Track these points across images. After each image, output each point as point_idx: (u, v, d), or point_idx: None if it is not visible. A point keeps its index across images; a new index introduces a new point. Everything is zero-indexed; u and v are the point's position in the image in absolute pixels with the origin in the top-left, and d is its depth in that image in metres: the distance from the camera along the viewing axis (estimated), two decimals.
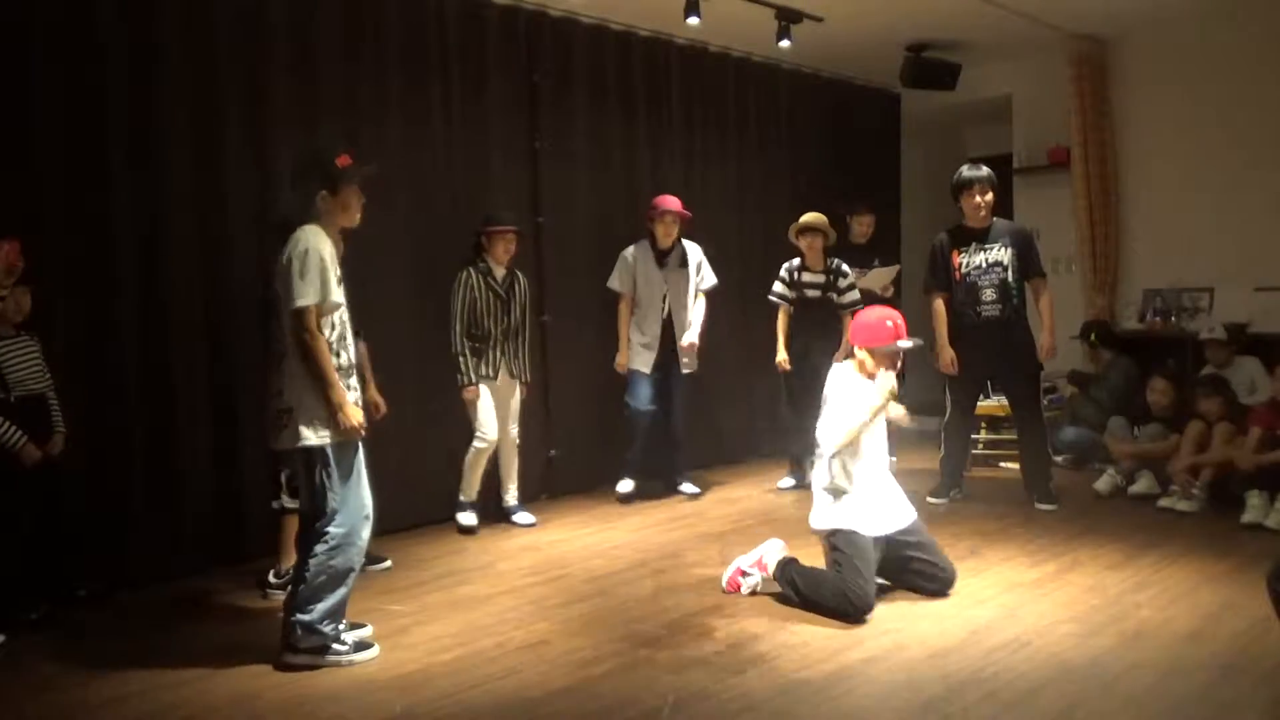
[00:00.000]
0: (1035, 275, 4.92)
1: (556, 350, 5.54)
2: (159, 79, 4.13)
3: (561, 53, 5.60)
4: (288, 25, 4.51)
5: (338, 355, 3.15)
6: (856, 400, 3.60)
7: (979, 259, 4.87)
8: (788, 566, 3.74)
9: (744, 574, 3.85)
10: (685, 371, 5.49)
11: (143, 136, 4.09)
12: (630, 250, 5.45)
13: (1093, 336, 6.24)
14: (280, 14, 4.48)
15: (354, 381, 3.24)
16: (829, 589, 3.52)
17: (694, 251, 5.52)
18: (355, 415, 3.13)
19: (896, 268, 6.19)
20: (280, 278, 3.11)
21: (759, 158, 6.77)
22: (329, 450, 3.12)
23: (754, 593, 3.78)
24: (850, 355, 5.51)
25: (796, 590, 3.63)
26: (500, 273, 4.83)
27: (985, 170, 4.89)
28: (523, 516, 5.02)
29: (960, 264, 4.90)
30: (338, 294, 3.15)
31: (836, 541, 3.60)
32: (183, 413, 4.21)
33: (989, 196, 4.85)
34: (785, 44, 5.85)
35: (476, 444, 4.82)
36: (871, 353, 3.65)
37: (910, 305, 7.17)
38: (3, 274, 3.54)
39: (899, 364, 3.72)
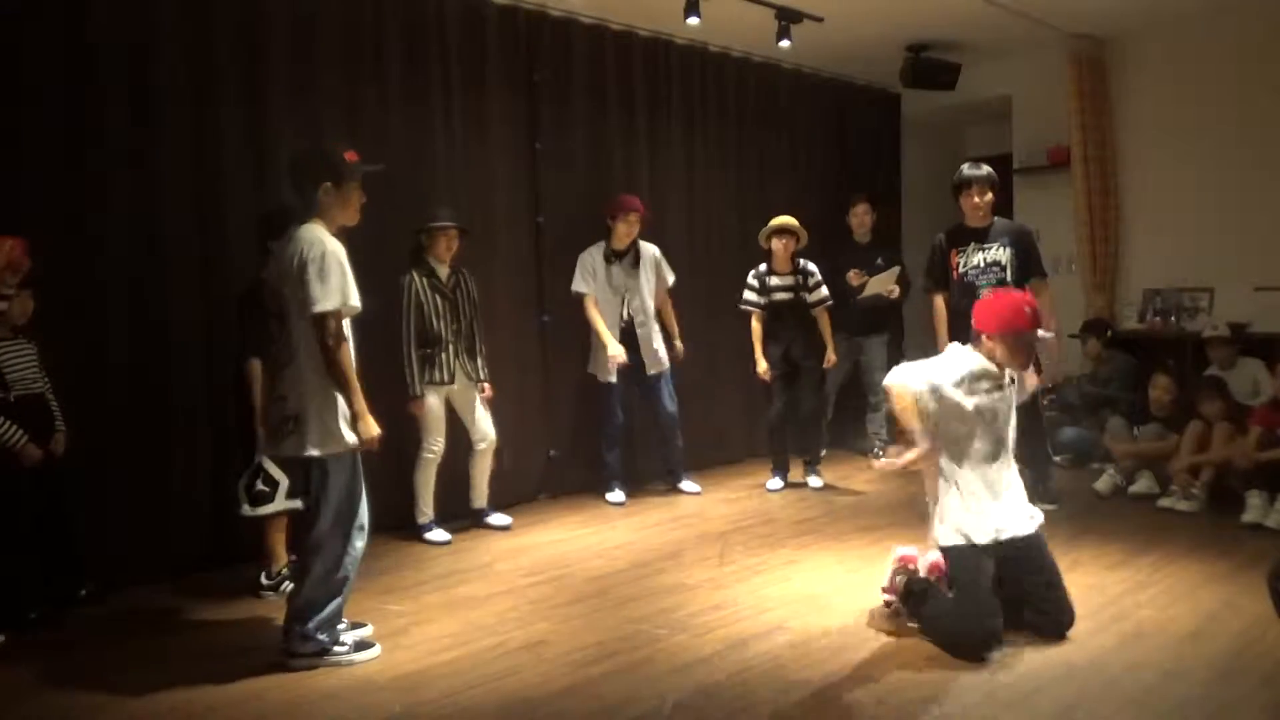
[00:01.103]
0: (1035, 277, 4.90)
1: (556, 350, 5.53)
2: (156, 78, 4.12)
3: (561, 53, 5.60)
4: (287, 25, 4.50)
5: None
6: (947, 361, 3.26)
7: (977, 258, 4.86)
8: (911, 585, 3.34)
9: (885, 593, 3.46)
10: (651, 372, 5.44)
11: (141, 136, 4.08)
12: (590, 252, 5.39)
13: (1109, 333, 6.23)
14: (279, 13, 4.48)
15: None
16: (944, 622, 3.16)
17: (649, 250, 5.49)
18: (372, 426, 3.08)
19: (896, 270, 6.16)
20: (291, 280, 3.02)
21: (759, 158, 6.76)
22: (329, 461, 3.08)
23: (899, 615, 3.38)
24: (833, 357, 5.62)
25: (920, 618, 3.27)
26: (444, 272, 4.65)
27: (985, 169, 4.88)
28: (497, 518, 4.92)
29: (958, 264, 4.89)
30: (356, 297, 3.08)
31: (948, 562, 3.27)
32: (181, 413, 4.21)
33: (988, 196, 4.84)
34: (785, 44, 5.84)
35: (425, 455, 4.64)
36: (1004, 339, 3.22)
37: (912, 305, 7.18)
38: (8, 272, 3.53)
39: (1032, 359, 3.34)
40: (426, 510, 4.72)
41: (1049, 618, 3.25)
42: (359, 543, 3.19)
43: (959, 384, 3.24)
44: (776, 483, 5.76)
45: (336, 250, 3.05)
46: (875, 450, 6.50)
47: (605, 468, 5.54)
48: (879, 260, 6.16)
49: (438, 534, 4.70)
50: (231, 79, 4.33)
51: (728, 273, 6.28)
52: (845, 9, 5.75)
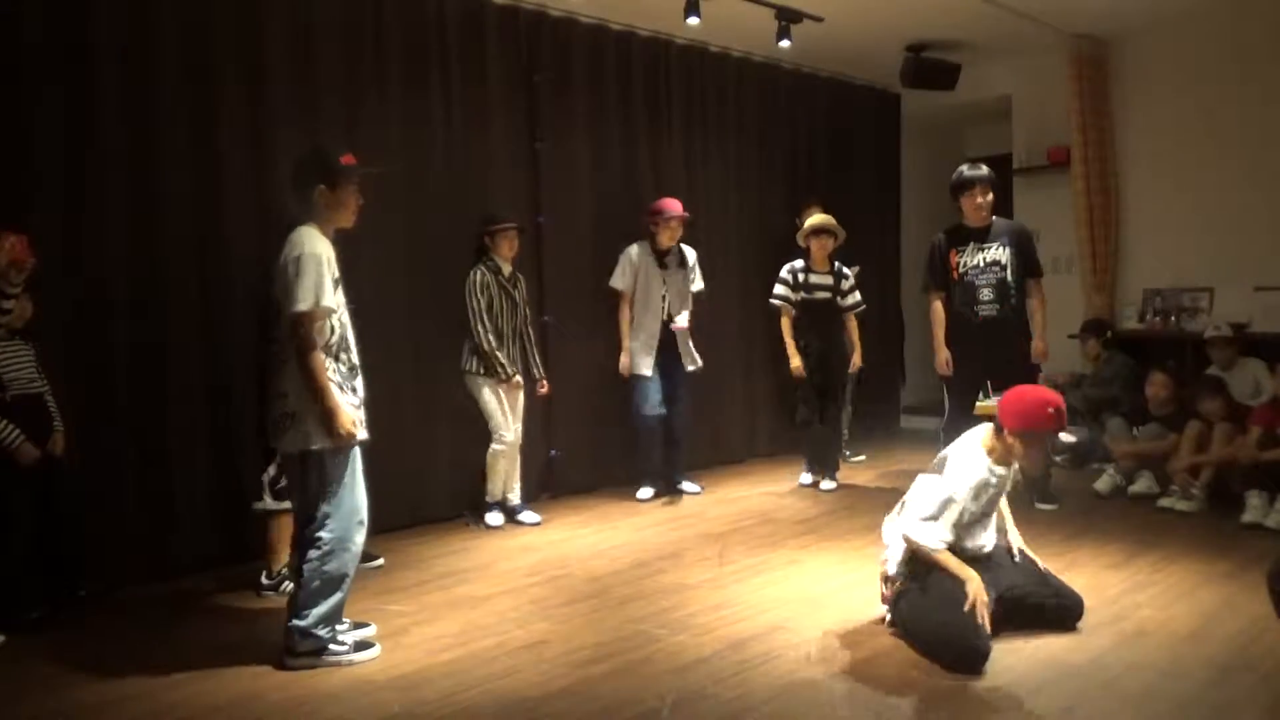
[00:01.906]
0: (1032, 275, 4.90)
1: (556, 350, 5.54)
2: (156, 78, 4.13)
3: (561, 53, 5.60)
4: (286, 25, 4.50)
5: (338, 359, 3.13)
6: (964, 484, 3.17)
7: (977, 259, 4.86)
8: (901, 597, 3.27)
9: (885, 602, 3.42)
10: (690, 369, 5.50)
11: (140, 136, 4.08)
12: (634, 249, 5.45)
13: (1109, 334, 6.24)
14: (279, 13, 4.48)
15: (359, 384, 3.23)
16: (936, 634, 3.07)
17: (690, 254, 5.56)
18: (346, 422, 3.08)
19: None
20: (278, 280, 3.08)
21: (758, 158, 6.77)
22: (326, 455, 3.10)
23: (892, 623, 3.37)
24: (861, 363, 5.62)
25: (907, 630, 3.22)
26: (508, 270, 4.87)
27: (985, 170, 4.88)
28: (528, 515, 5.03)
29: (958, 264, 4.89)
30: (331, 298, 3.09)
31: (920, 576, 3.18)
32: (180, 412, 4.21)
33: (989, 196, 4.84)
34: (785, 44, 5.85)
35: (496, 445, 4.86)
36: (1022, 436, 3.15)
37: (911, 307, 7.18)
38: (13, 270, 3.51)
39: (1046, 460, 3.35)
40: (495, 491, 4.95)
41: (1060, 608, 3.28)
42: (358, 538, 3.20)
43: (967, 495, 3.19)
44: (807, 478, 5.78)
45: (315, 252, 3.06)
46: (845, 453, 6.45)
47: (645, 461, 5.53)
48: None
49: (494, 516, 4.93)
50: (231, 79, 4.33)
51: (728, 271, 6.29)
52: (845, 9, 5.75)
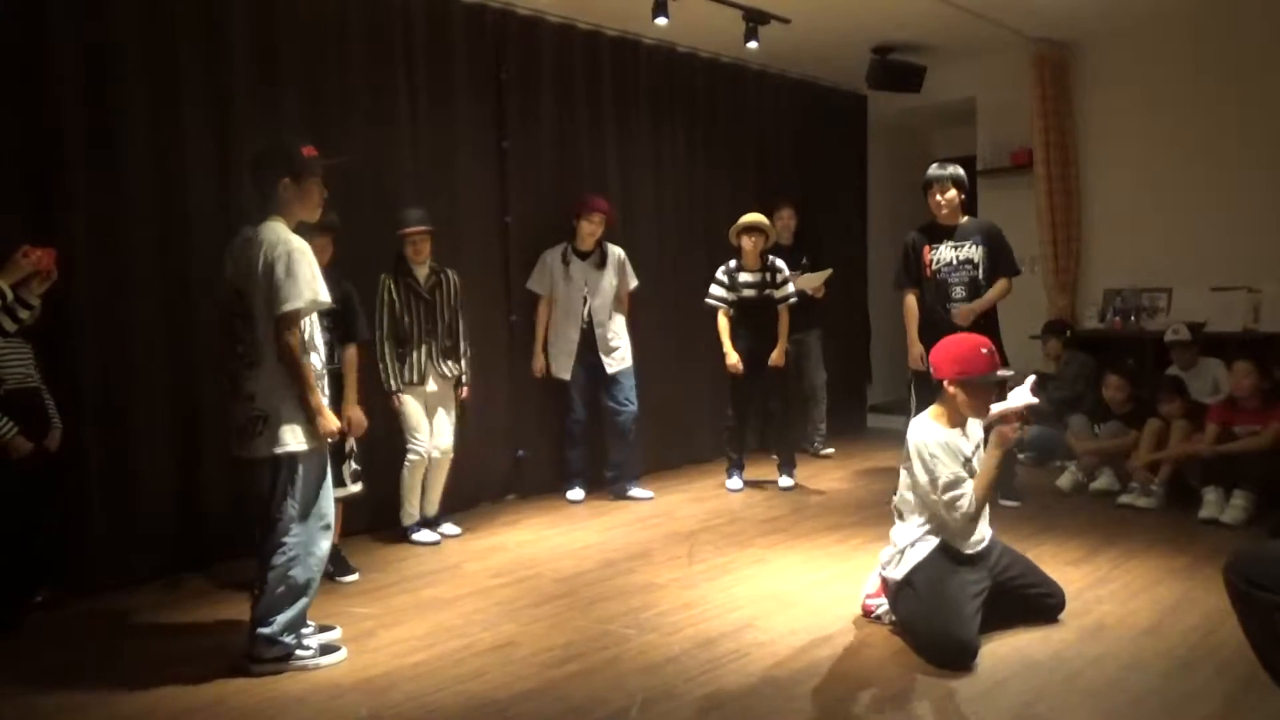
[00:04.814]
0: (1006, 274, 4.91)
1: (522, 350, 5.51)
2: (117, 78, 4.04)
3: (528, 51, 5.57)
4: (250, 22, 4.44)
5: (308, 357, 3.08)
6: (951, 456, 3.17)
7: (950, 256, 4.90)
8: (901, 591, 3.25)
9: (871, 598, 3.46)
10: (610, 371, 5.40)
11: (101, 137, 4.00)
12: (549, 252, 5.40)
13: (1069, 333, 6.34)
14: (243, 10, 4.41)
15: (325, 385, 3.19)
16: (924, 631, 3.12)
17: (614, 253, 5.49)
18: (331, 422, 3.07)
19: (828, 271, 6.21)
20: (258, 278, 2.98)
21: (726, 159, 6.79)
22: (300, 458, 3.06)
23: (883, 619, 3.40)
24: (787, 352, 5.63)
25: (903, 626, 3.25)
26: (422, 274, 4.62)
27: (950, 168, 4.92)
28: (448, 527, 4.80)
29: (931, 260, 4.93)
30: (326, 292, 3.07)
31: (914, 579, 3.19)
32: (142, 415, 4.13)
33: (950, 194, 4.87)
34: (753, 45, 5.87)
35: (410, 456, 4.59)
36: (964, 386, 3.18)
37: (877, 303, 7.23)
38: (36, 281, 3.45)
39: (990, 403, 3.26)
40: (412, 512, 4.68)
41: (1044, 601, 3.36)
42: (324, 542, 3.17)
43: (947, 459, 3.18)
44: (736, 482, 5.77)
45: (301, 247, 3.03)
46: (815, 445, 6.60)
47: (567, 464, 5.53)
48: (804, 261, 6.25)
49: (425, 534, 4.67)
50: (194, 79, 4.25)
51: (695, 271, 6.29)
52: (812, 11, 5.78)
